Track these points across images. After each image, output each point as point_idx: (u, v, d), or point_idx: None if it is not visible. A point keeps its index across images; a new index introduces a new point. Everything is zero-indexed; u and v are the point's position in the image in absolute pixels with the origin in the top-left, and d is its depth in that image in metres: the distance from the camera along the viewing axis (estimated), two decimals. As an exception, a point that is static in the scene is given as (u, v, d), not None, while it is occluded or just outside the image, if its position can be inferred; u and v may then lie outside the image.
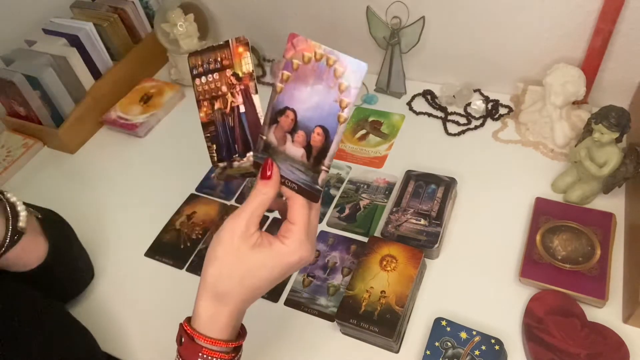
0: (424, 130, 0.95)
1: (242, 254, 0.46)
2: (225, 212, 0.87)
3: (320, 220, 0.82)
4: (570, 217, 0.72)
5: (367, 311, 0.66)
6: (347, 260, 0.77)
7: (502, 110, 0.94)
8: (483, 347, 0.61)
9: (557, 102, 0.82)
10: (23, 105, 1.02)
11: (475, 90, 0.98)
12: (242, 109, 0.54)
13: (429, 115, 0.97)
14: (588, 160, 0.73)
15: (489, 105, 0.95)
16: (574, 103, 0.86)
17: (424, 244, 0.73)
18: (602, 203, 0.76)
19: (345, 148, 0.94)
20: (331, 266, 0.76)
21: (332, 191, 0.87)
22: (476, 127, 0.93)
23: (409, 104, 1.00)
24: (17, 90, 0.98)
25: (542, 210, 0.74)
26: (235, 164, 0.55)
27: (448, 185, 0.78)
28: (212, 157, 0.56)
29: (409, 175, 0.82)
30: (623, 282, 0.67)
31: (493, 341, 0.62)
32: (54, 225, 0.73)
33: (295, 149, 0.47)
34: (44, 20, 1.09)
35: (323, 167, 0.46)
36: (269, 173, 0.48)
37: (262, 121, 0.52)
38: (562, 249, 0.69)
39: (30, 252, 0.66)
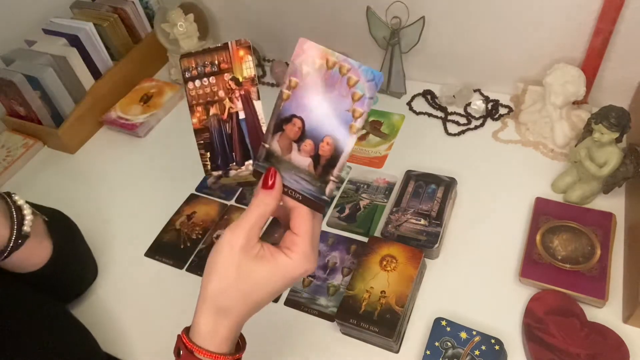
0: (424, 130, 0.95)
1: (244, 269, 0.44)
2: (225, 212, 0.87)
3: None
4: (570, 217, 0.72)
5: (367, 311, 0.66)
6: (347, 260, 0.77)
7: (502, 110, 0.94)
8: (483, 347, 0.61)
9: (557, 102, 0.82)
10: (23, 105, 1.02)
11: (475, 90, 0.98)
12: (242, 115, 0.52)
13: (429, 115, 0.97)
14: (588, 160, 0.73)
15: (489, 105, 0.95)
16: (574, 103, 0.86)
17: (424, 244, 0.73)
18: (602, 203, 0.76)
19: (345, 148, 0.94)
20: (331, 266, 0.76)
21: (332, 191, 0.87)
22: (476, 127, 0.93)
23: (409, 104, 1.00)
24: (17, 90, 0.98)
25: (542, 210, 0.74)
26: (232, 172, 0.53)
27: (448, 185, 0.78)
28: (205, 165, 0.54)
29: (409, 175, 0.82)
30: (623, 282, 0.67)
31: (493, 341, 0.62)
32: (60, 227, 0.73)
33: (301, 158, 0.46)
34: (44, 20, 1.09)
35: (332, 178, 0.45)
36: (271, 182, 0.46)
37: (264, 128, 0.51)
38: (562, 249, 0.69)
39: (34, 255, 0.66)
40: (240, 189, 0.90)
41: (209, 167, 0.54)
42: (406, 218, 0.76)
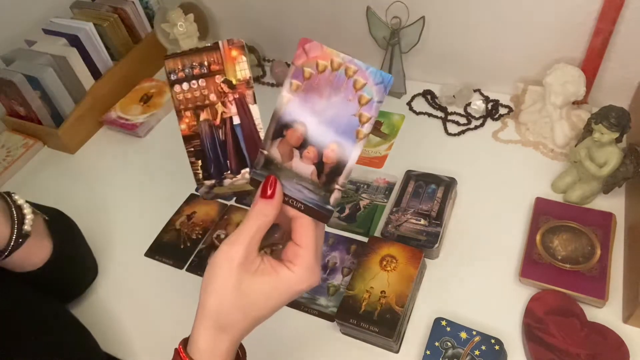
0: (424, 130, 0.95)
1: (244, 285, 0.42)
2: (225, 212, 0.87)
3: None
4: (570, 217, 0.72)
5: (367, 311, 0.66)
6: (347, 260, 0.77)
7: (502, 110, 0.94)
8: (483, 347, 0.61)
9: (557, 102, 0.82)
10: (23, 105, 1.02)
11: (475, 90, 0.98)
12: (236, 120, 0.49)
13: (429, 115, 0.97)
14: (588, 160, 0.73)
15: (489, 105, 0.95)
16: (574, 103, 0.86)
17: (424, 244, 0.73)
18: (602, 203, 0.76)
19: (345, 148, 0.94)
20: (331, 266, 0.76)
21: (332, 191, 0.87)
22: (476, 127, 0.93)
23: (409, 104, 1.00)
24: (17, 90, 0.98)
25: (542, 210, 0.74)
26: (227, 181, 0.50)
27: (448, 185, 0.78)
28: (196, 175, 0.50)
29: (409, 175, 0.82)
30: (623, 282, 0.67)
31: (493, 341, 0.62)
32: (60, 227, 0.73)
33: (304, 166, 0.43)
34: (44, 20, 1.09)
35: (337, 186, 0.42)
36: (270, 191, 0.43)
37: (261, 134, 0.47)
38: (562, 249, 0.69)
39: (35, 254, 0.66)
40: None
41: (200, 176, 0.50)
42: (406, 218, 0.76)
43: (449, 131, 0.93)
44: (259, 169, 0.45)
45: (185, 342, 0.45)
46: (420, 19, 0.91)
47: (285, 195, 0.44)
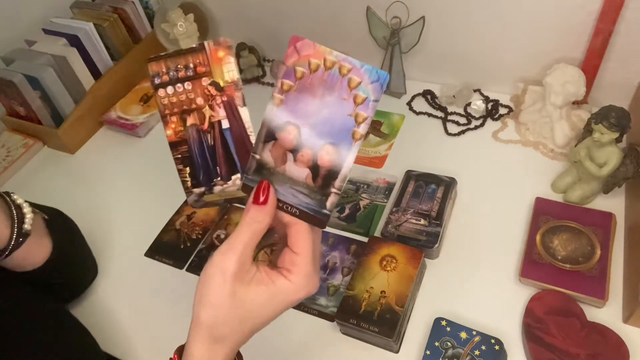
0: (424, 130, 0.95)
1: (239, 296, 0.40)
2: (225, 212, 0.87)
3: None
4: (570, 217, 0.72)
5: (367, 311, 0.66)
6: (347, 260, 0.77)
7: (502, 110, 0.94)
8: (483, 347, 0.61)
9: (557, 102, 0.82)
10: (23, 105, 1.02)
11: (475, 90, 0.98)
12: (225, 124, 0.47)
13: (429, 115, 0.97)
14: (588, 160, 0.73)
15: (489, 105, 0.95)
16: (574, 103, 0.86)
17: (424, 244, 0.73)
18: (602, 203, 0.76)
19: (345, 148, 0.94)
20: (331, 266, 0.76)
21: (332, 191, 0.87)
22: (476, 127, 0.93)
23: (409, 104, 1.00)
24: (17, 90, 0.98)
25: (542, 210, 0.74)
26: (217, 188, 0.48)
27: (448, 185, 0.78)
28: (184, 182, 0.48)
29: (409, 175, 0.82)
30: (623, 282, 0.67)
31: (493, 341, 0.62)
32: (59, 226, 0.73)
33: (298, 170, 0.41)
34: (44, 20, 1.09)
35: (333, 190, 0.40)
36: (263, 197, 0.41)
37: (252, 138, 0.46)
38: (562, 249, 0.69)
39: (34, 253, 0.66)
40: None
41: (189, 183, 0.48)
42: (406, 218, 0.76)
43: (449, 131, 0.93)
44: (251, 175, 0.43)
45: (180, 351, 0.44)
46: (420, 19, 0.91)
47: (279, 200, 0.42)
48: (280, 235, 0.45)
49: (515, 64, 0.92)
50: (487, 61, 0.94)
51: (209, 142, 0.47)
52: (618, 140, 0.70)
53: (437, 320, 0.65)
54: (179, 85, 0.46)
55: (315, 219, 0.41)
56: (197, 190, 0.48)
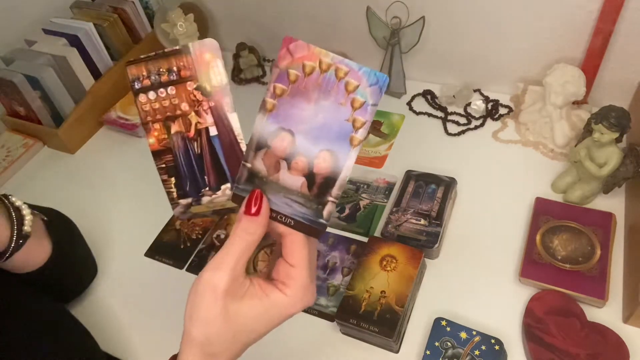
0: (424, 130, 0.95)
1: (232, 312, 0.39)
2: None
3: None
4: (570, 217, 0.72)
5: (367, 311, 0.66)
6: (347, 260, 0.77)
7: (502, 110, 0.94)
8: (483, 347, 0.61)
9: (557, 102, 0.82)
10: (23, 105, 1.02)
11: (475, 90, 0.98)
12: (213, 131, 0.44)
13: (429, 115, 0.97)
14: (588, 160, 0.73)
15: (489, 105, 0.95)
16: (574, 103, 0.86)
17: (424, 244, 0.73)
18: (602, 203, 0.76)
19: (345, 148, 0.94)
20: (331, 266, 0.76)
21: (332, 191, 0.87)
22: (476, 127, 0.93)
23: (409, 104, 1.00)
24: (17, 90, 0.98)
25: (542, 210, 0.74)
26: (205, 199, 0.45)
27: (448, 185, 0.78)
28: (169, 194, 0.45)
29: (409, 175, 0.82)
30: (623, 282, 0.67)
31: (493, 341, 0.62)
32: (58, 226, 0.73)
33: (292, 178, 0.39)
34: (44, 20, 1.09)
35: (330, 198, 0.39)
36: (255, 208, 0.39)
37: (243, 146, 0.44)
38: (562, 249, 0.69)
39: (34, 254, 0.66)
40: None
41: (174, 194, 0.45)
42: (406, 218, 0.76)
43: (449, 131, 0.93)
44: (242, 184, 0.40)
45: None
46: (420, 19, 0.91)
47: (272, 210, 0.40)
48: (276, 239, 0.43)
49: (515, 64, 0.92)
50: (487, 61, 0.94)
51: (196, 150, 0.44)
52: (618, 140, 0.70)
53: (437, 320, 0.65)
54: (161, 90, 0.43)
55: (311, 229, 0.40)
56: (183, 202, 0.45)
